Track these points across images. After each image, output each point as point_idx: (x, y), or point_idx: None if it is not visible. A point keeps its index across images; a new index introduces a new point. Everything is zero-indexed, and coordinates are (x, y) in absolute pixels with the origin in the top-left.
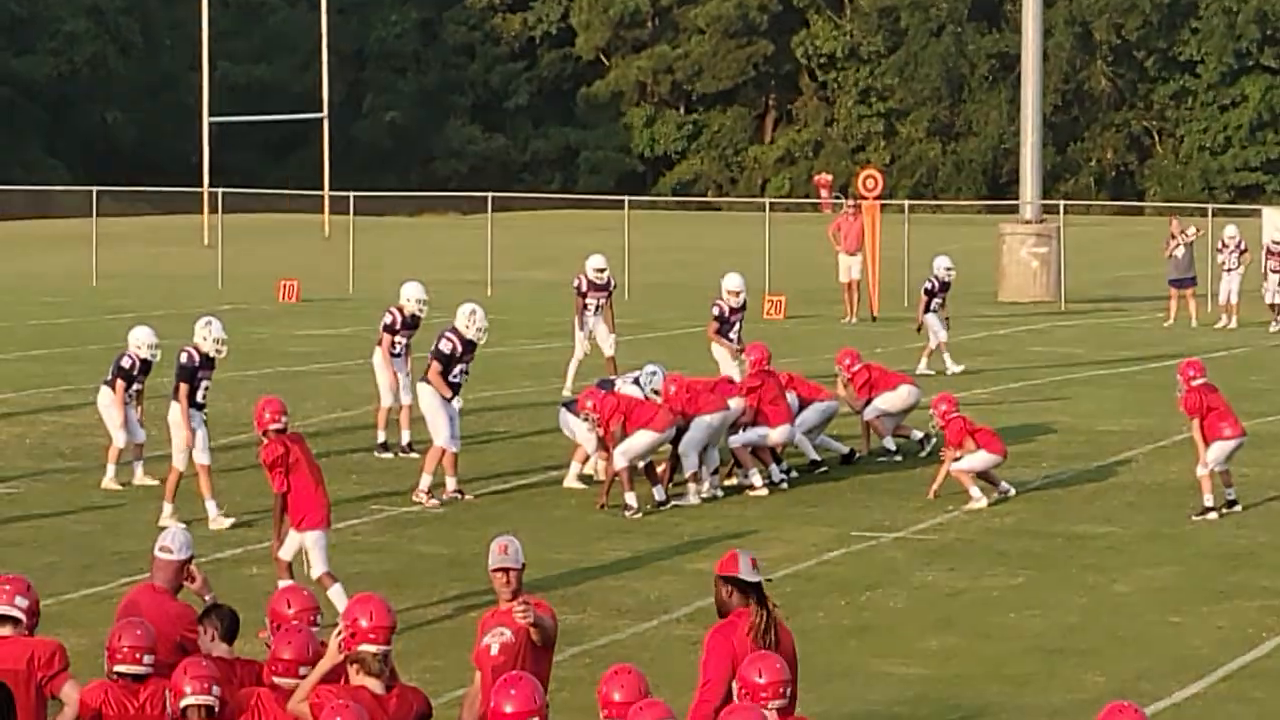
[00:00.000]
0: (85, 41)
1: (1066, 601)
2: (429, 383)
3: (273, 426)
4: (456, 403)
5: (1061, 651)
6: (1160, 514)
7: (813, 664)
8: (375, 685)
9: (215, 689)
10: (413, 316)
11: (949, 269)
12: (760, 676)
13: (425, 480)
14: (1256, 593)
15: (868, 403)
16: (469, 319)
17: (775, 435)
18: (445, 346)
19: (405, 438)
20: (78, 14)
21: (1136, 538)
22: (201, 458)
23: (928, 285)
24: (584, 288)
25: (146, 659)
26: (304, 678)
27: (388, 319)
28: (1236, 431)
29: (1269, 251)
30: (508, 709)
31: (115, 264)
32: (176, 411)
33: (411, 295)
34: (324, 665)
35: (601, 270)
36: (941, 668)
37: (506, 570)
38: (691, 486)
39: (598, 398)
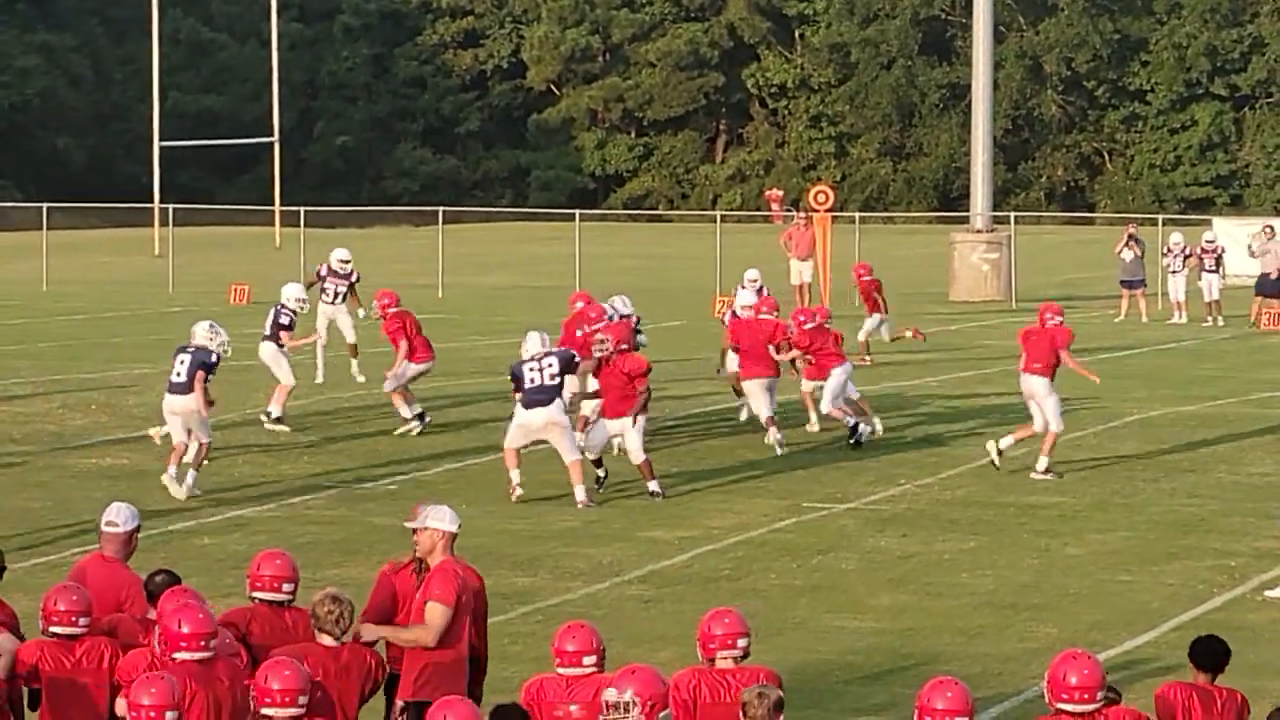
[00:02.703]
0: (36, 76)
1: (1018, 563)
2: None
3: None
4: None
5: (1014, 607)
6: (1112, 485)
7: (764, 620)
8: (328, 640)
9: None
10: (295, 313)
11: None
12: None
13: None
14: (1207, 554)
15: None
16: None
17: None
18: None
19: (276, 411)
20: (28, 51)
21: (1088, 506)
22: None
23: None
24: (324, 272)
25: (81, 621)
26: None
27: (285, 319)
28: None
29: (1203, 250)
30: None
31: (66, 272)
32: (195, 400)
33: (293, 294)
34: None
35: (345, 261)
36: (893, 622)
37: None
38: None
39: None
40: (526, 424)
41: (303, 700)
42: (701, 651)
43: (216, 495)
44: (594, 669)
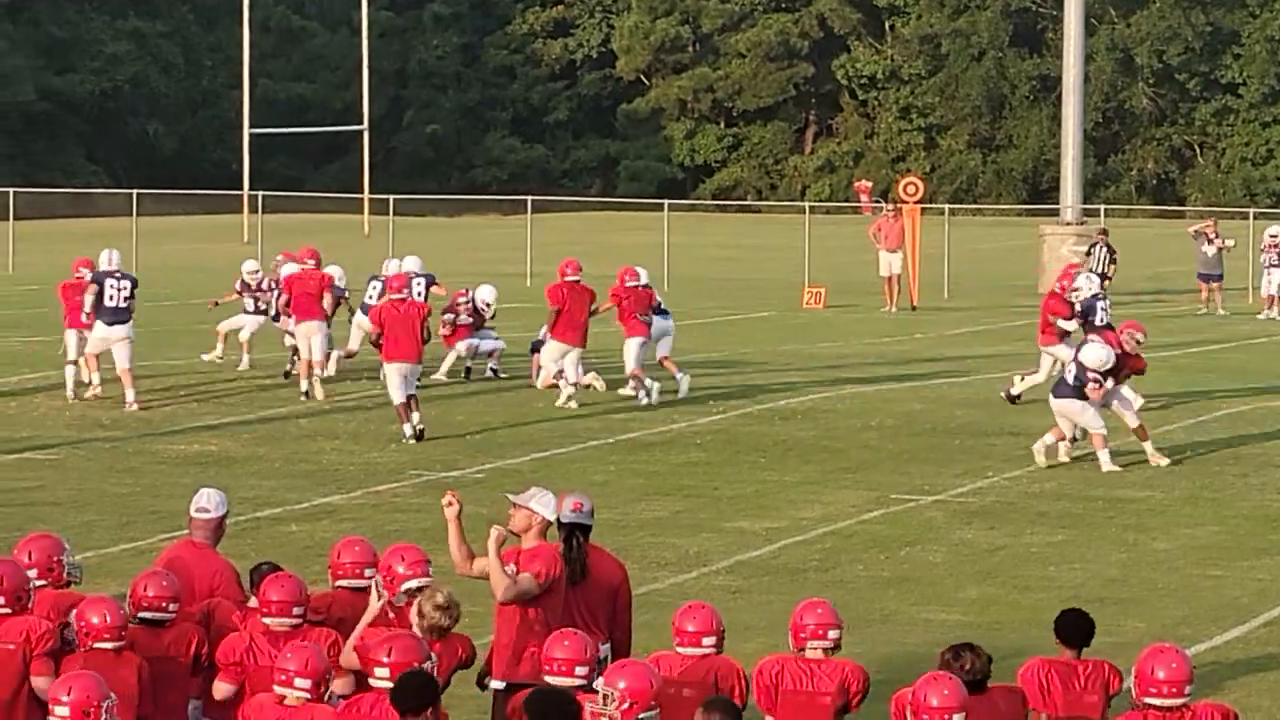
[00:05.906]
0: (127, 62)
1: (1106, 557)
2: None
3: None
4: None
5: (1101, 601)
6: (1201, 480)
7: (851, 611)
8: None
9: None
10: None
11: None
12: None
13: None
14: None
15: None
16: None
17: None
18: None
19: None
20: (119, 37)
21: (1177, 501)
22: None
23: None
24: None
25: (171, 607)
26: (297, 617)
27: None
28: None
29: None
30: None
31: (155, 258)
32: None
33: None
34: (367, 616)
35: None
36: (980, 615)
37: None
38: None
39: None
40: (106, 337)
41: None
42: (792, 640)
43: (300, 484)
44: (713, 650)
